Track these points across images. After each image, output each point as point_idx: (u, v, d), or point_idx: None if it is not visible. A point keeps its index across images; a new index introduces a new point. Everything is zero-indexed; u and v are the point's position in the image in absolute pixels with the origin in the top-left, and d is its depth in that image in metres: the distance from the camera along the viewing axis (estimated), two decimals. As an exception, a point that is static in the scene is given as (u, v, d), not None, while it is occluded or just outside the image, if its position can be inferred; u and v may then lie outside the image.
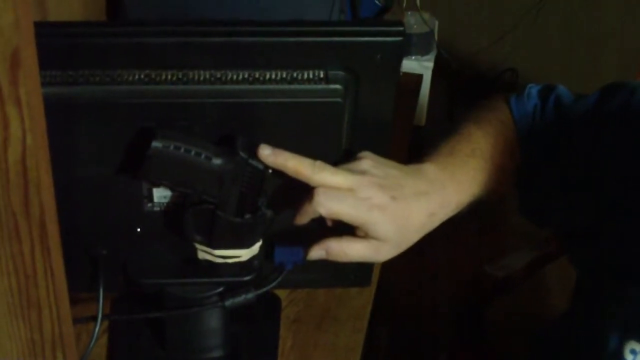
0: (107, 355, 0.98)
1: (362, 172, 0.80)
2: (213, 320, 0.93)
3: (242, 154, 0.77)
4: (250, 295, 0.86)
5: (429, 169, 0.85)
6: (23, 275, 0.59)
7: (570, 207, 0.90)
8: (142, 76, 0.75)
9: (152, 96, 0.76)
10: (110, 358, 0.97)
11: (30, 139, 0.52)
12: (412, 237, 0.83)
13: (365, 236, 0.80)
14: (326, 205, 0.78)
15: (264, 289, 0.87)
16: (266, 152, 0.77)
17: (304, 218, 0.79)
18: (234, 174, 0.77)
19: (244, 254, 0.83)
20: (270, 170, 0.79)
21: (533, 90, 0.96)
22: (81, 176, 0.80)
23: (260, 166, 0.78)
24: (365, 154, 0.82)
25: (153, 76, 0.75)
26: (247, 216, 0.79)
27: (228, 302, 0.87)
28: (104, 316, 0.86)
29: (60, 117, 0.71)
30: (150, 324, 0.97)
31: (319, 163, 0.78)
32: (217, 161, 0.76)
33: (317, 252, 0.82)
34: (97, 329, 0.84)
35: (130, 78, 0.75)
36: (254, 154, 0.77)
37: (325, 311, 1.04)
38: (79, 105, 0.75)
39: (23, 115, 0.52)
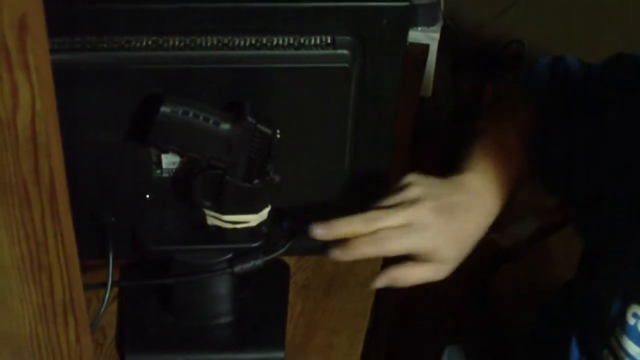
0: (117, 321, 0.99)
1: (415, 201, 0.80)
2: (222, 286, 0.94)
3: (250, 118, 0.77)
4: (258, 262, 0.87)
5: (471, 180, 0.86)
6: (34, 241, 0.59)
7: (579, 172, 0.90)
8: (150, 42, 0.75)
9: (160, 62, 0.76)
10: (120, 324, 0.98)
11: (39, 105, 0.53)
12: (468, 250, 0.84)
13: (427, 260, 0.81)
14: (389, 247, 0.79)
15: (273, 255, 0.87)
16: (320, 232, 0.79)
17: (362, 256, 0.80)
18: (242, 139, 0.77)
19: (253, 219, 0.84)
20: (278, 135, 0.79)
21: (543, 62, 0.96)
22: (89, 143, 0.80)
23: (269, 131, 0.78)
24: (412, 178, 0.83)
25: (160, 42, 0.75)
26: (256, 181, 0.80)
27: (237, 269, 0.87)
28: (114, 282, 0.86)
29: (68, 83, 0.71)
30: (159, 291, 0.98)
31: (370, 215, 0.79)
32: (225, 126, 0.76)
33: (383, 282, 0.82)
34: (107, 295, 0.85)
35: (138, 44, 0.75)
36: (261, 119, 0.78)
37: (333, 277, 1.04)
38: (86, 71, 0.76)
39: (32, 81, 0.52)
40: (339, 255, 0.79)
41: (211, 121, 0.76)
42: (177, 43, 0.76)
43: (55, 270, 0.61)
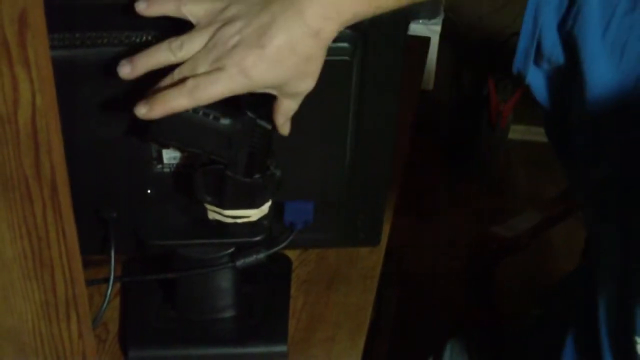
0: (120, 316, 0.99)
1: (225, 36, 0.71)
2: (224, 280, 0.94)
3: (250, 113, 0.77)
4: (261, 255, 0.87)
5: None
6: (36, 237, 0.59)
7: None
8: (150, 38, 0.75)
9: None
10: (123, 319, 0.99)
11: (39, 100, 0.53)
12: (288, 68, 0.72)
13: None
14: (203, 96, 0.72)
15: (275, 249, 0.87)
16: (125, 70, 0.72)
17: (174, 110, 0.72)
18: (242, 134, 0.77)
19: (254, 214, 0.84)
20: None
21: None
22: (90, 139, 0.80)
23: (269, 126, 0.78)
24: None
25: (161, 37, 0.75)
26: (257, 176, 0.80)
27: (239, 263, 0.88)
28: (116, 278, 0.87)
29: (69, 80, 0.71)
30: (162, 286, 0.98)
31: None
32: (225, 121, 0.76)
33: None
34: (109, 291, 0.85)
35: (138, 40, 0.75)
36: (261, 114, 0.78)
37: (335, 271, 1.04)
38: (86, 67, 0.76)
39: (32, 77, 0.52)
40: (145, 112, 0.71)
41: (211, 116, 0.76)
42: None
43: (57, 266, 0.61)
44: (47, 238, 0.59)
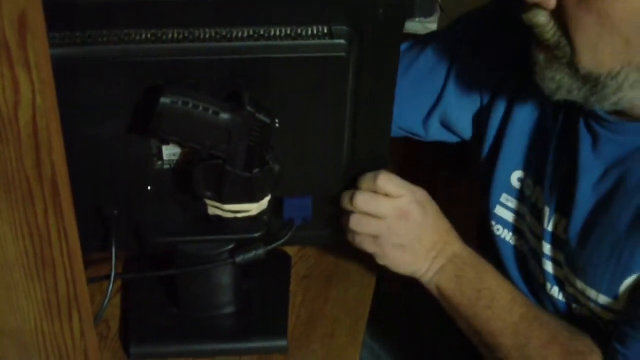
0: (121, 313, 0.99)
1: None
2: (224, 277, 0.94)
3: (249, 108, 0.77)
4: (260, 252, 0.88)
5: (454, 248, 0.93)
6: (37, 237, 0.60)
7: None
8: (149, 35, 0.76)
9: (159, 55, 0.76)
10: (124, 316, 0.99)
11: (40, 101, 0.53)
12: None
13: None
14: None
15: (274, 245, 0.88)
16: None
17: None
18: (242, 129, 0.78)
19: (254, 209, 0.84)
20: (277, 125, 0.80)
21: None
22: (91, 137, 0.80)
23: (268, 120, 0.78)
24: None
25: (159, 35, 0.76)
26: (256, 171, 0.80)
27: (239, 259, 0.88)
28: (117, 275, 0.87)
29: (69, 78, 0.71)
30: (163, 283, 0.99)
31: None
32: (224, 116, 0.77)
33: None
34: (110, 288, 0.86)
35: (138, 37, 0.76)
36: (260, 109, 0.78)
37: (335, 267, 1.05)
38: (86, 65, 0.76)
39: (32, 78, 0.52)
40: None
41: (211, 111, 0.76)
42: (175, 35, 0.76)
43: (59, 265, 0.61)
44: (49, 238, 0.60)
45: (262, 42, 0.77)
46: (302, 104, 0.79)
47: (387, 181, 0.88)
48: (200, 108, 0.76)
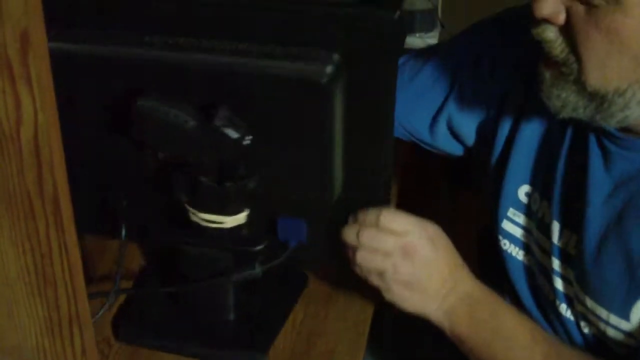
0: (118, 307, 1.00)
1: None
2: (221, 291, 0.95)
3: (216, 121, 0.77)
4: (257, 270, 0.88)
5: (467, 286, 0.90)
6: (39, 254, 0.60)
7: None
8: (135, 39, 0.78)
9: (143, 59, 0.79)
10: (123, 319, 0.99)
11: (42, 118, 0.53)
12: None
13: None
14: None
15: (268, 266, 0.88)
16: None
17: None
18: (209, 140, 0.78)
19: (228, 221, 0.85)
20: (247, 141, 0.79)
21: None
22: (92, 132, 0.83)
23: (235, 135, 0.78)
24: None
25: (146, 40, 0.77)
26: (228, 184, 0.81)
27: (233, 277, 0.89)
28: (118, 291, 0.87)
29: (69, 76, 0.72)
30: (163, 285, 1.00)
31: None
32: (191, 124, 0.78)
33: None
34: (116, 283, 0.87)
35: (125, 40, 0.78)
36: (231, 123, 0.78)
37: (335, 285, 1.04)
38: (86, 64, 0.79)
39: (34, 95, 0.52)
40: None
41: (181, 118, 0.77)
42: (160, 42, 0.78)
43: (60, 282, 0.61)
44: (50, 254, 0.60)
45: (239, 58, 0.77)
46: (283, 125, 0.78)
47: (391, 219, 0.86)
48: (172, 114, 0.77)
